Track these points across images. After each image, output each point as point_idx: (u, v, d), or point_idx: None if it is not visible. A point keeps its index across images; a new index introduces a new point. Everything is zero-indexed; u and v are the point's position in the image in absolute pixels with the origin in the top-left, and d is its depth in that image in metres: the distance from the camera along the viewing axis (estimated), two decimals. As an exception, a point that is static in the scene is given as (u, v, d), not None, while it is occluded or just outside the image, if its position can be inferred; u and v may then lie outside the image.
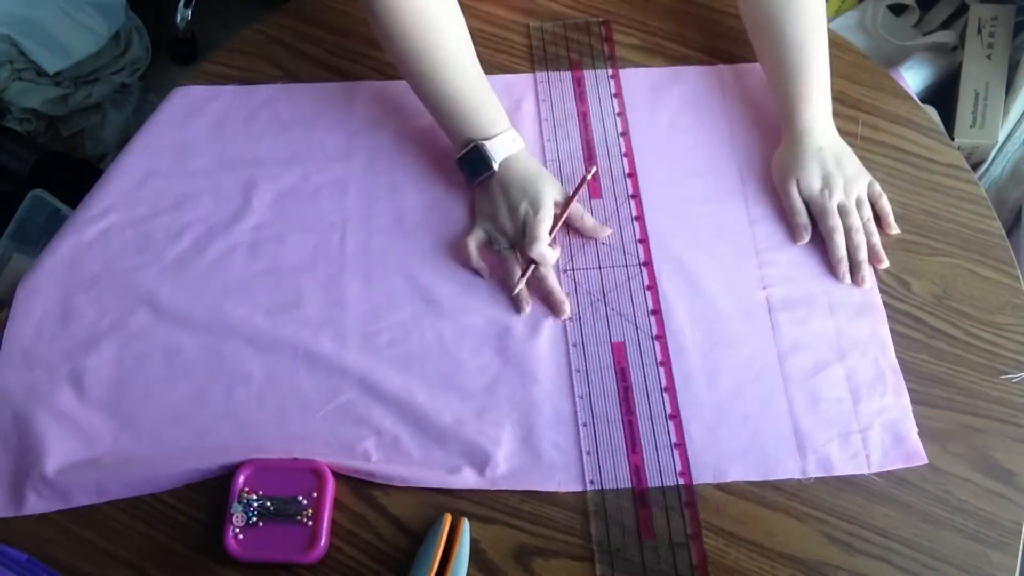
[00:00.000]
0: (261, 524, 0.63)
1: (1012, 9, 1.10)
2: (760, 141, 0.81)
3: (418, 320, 0.72)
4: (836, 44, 0.86)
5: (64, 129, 1.49)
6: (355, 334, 0.71)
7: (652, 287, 0.73)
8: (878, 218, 0.77)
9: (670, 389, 0.69)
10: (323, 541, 0.63)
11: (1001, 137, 1.06)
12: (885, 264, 0.74)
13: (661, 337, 0.71)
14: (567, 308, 0.72)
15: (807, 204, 0.76)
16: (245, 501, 0.63)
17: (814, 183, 0.75)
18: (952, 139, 1.04)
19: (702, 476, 0.66)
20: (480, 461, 0.66)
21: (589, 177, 0.76)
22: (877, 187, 0.77)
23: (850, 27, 1.19)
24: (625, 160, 0.80)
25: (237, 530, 0.63)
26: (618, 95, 0.84)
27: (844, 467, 0.66)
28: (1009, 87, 1.07)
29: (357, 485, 0.66)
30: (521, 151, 0.75)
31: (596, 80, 0.84)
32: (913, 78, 1.12)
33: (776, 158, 0.79)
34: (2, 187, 1.35)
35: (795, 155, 0.76)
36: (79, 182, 1.28)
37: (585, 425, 0.68)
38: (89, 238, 0.76)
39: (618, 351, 0.71)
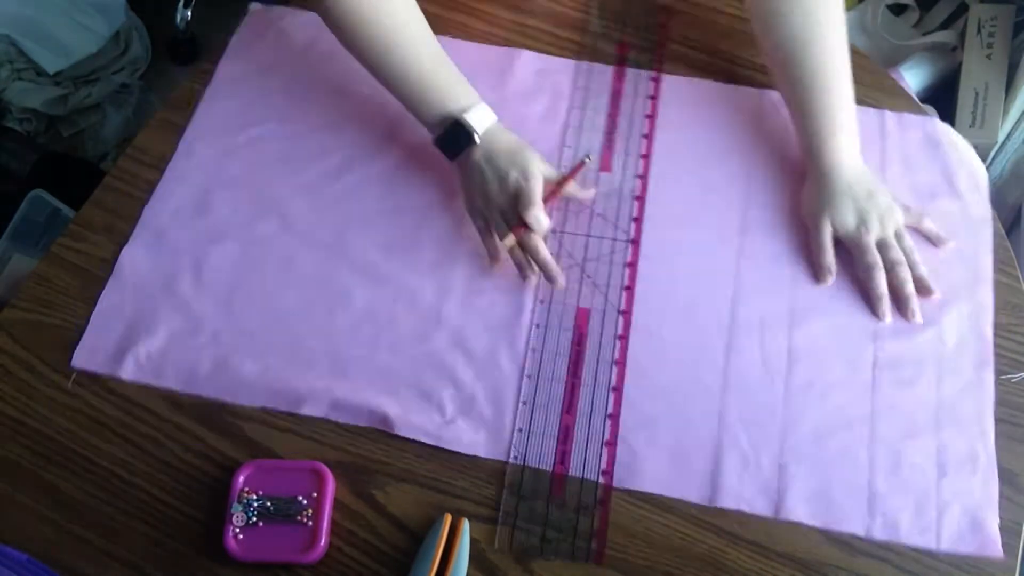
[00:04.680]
0: (261, 524, 0.63)
1: (1012, 9, 1.10)
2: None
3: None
4: (836, 44, 0.86)
5: (64, 129, 1.49)
6: (459, 291, 0.73)
7: (632, 264, 0.74)
8: (930, 240, 0.75)
9: (620, 363, 0.70)
10: (323, 541, 0.63)
11: (1001, 137, 1.06)
12: (936, 295, 0.71)
13: (627, 313, 0.72)
14: (562, 280, 0.73)
15: (843, 243, 0.73)
16: (245, 501, 0.63)
17: (848, 220, 0.72)
18: (952, 139, 1.04)
19: (758, 508, 0.64)
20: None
21: (588, 161, 0.76)
22: (914, 210, 0.74)
23: (850, 27, 1.18)
24: (643, 141, 0.81)
25: (237, 530, 0.63)
26: (655, 97, 0.83)
27: (912, 537, 0.63)
28: (1009, 87, 1.07)
29: (357, 485, 0.66)
30: (498, 123, 0.74)
31: (637, 77, 0.85)
32: (913, 78, 1.12)
33: (805, 195, 0.76)
34: (2, 187, 1.35)
35: (826, 194, 0.73)
36: (79, 182, 1.28)
37: (530, 377, 0.70)
38: (241, 142, 0.81)
39: (581, 317, 0.72)
